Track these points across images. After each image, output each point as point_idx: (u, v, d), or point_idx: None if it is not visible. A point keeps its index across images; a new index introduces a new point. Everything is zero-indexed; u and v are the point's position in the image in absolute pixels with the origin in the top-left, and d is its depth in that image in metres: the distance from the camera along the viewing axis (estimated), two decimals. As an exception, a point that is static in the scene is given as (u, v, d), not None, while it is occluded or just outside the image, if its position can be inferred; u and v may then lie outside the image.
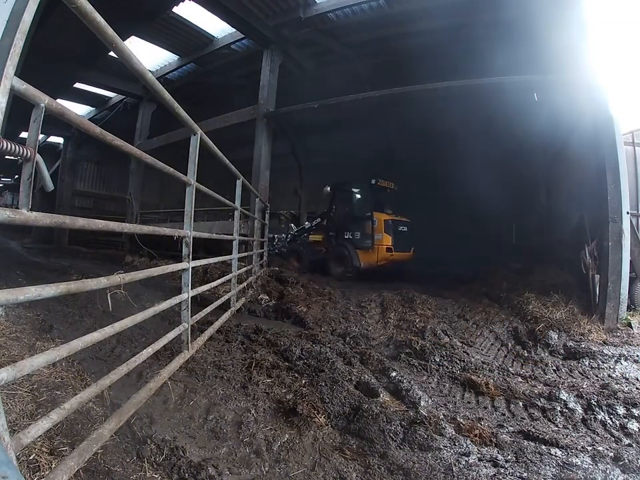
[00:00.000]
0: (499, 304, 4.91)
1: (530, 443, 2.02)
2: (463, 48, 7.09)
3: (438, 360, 3.16)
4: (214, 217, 9.45)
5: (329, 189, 8.54)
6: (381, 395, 2.54)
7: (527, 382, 2.88)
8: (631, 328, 3.80)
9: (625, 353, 3.23)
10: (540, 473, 1.77)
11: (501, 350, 3.64)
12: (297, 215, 11.26)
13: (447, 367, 3.07)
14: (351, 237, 7.83)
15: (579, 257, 4.63)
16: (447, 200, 11.19)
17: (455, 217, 10.82)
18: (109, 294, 1.63)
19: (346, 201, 8.39)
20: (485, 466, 1.82)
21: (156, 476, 1.59)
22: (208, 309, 3.08)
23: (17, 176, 17.27)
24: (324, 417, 2.16)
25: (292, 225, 9.56)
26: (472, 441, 2.02)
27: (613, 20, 5.11)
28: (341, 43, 8.00)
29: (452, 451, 1.92)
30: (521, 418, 2.39)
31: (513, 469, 1.80)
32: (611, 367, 3.11)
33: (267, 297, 5.13)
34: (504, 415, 2.44)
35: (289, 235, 9.11)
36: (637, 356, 3.20)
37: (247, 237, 6.16)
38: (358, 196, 8.16)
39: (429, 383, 2.90)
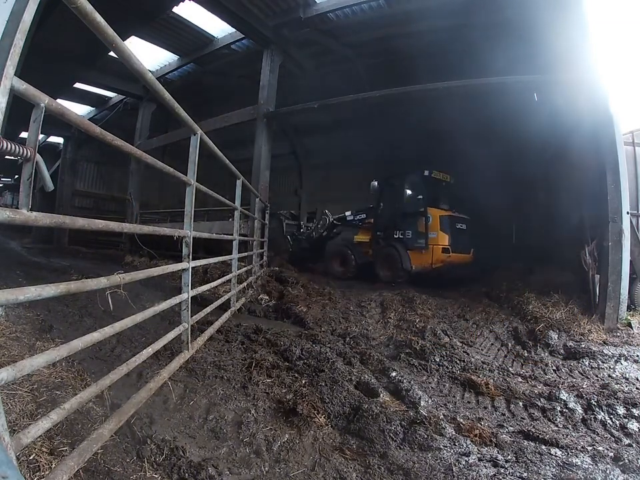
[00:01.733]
0: (499, 304, 4.91)
1: (530, 443, 2.02)
2: (463, 48, 7.09)
3: (438, 360, 3.16)
4: (214, 217, 9.44)
5: (376, 183, 7.53)
6: (381, 395, 2.54)
7: (527, 382, 2.88)
8: (631, 328, 3.80)
9: (625, 353, 3.23)
10: (540, 473, 1.77)
11: (500, 350, 3.64)
12: (297, 215, 11.20)
13: (447, 367, 3.07)
14: (401, 237, 6.90)
15: (579, 256, 4.63)
16: (447, 200, 11.17)
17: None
18: (108, 294, 1.63)
19: (395, 196, 7.43)
20: (485, 466, 1.82)
21: (156, 476, 1.59)
22: (208, 309, 3.09)
23: (17, 176, 17.27)
24: (324, 417, 2.16)
25: (326, 210, 8.47)
26: (472, 441, 2.02)
27: (613, 20, 5.12)
28: (341, 43, 8.00)
29: (452, 451, 1.92)
30: (521, 418, 2.39)
31: (512, 468, 1.80)
32: (611, 367, 3.11)
33: (267, 297, 5.13)
34: (504, 415, 2.44)
35: (323, 225, 8.19)
36: (637, 356, 3.20)
37: (247, 237, 6.16)
38: (409, 190, 7.27)
39: (429, 382, 2.90)
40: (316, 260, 8.45)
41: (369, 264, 7.29)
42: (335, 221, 8.26)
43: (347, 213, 8.16)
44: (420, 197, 6.94)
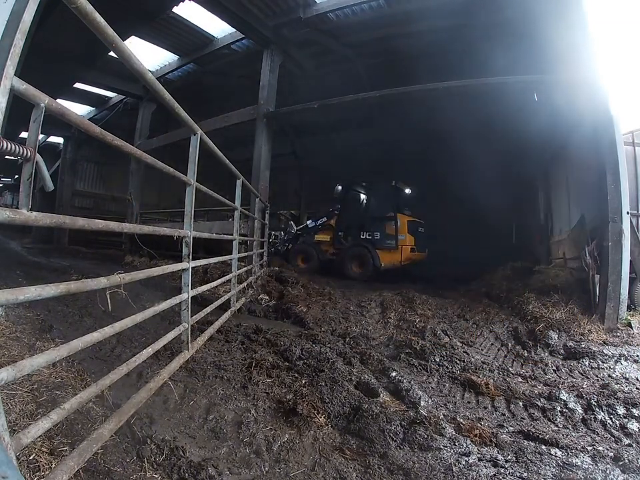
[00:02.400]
0: (499, 304, 4.91)
1: (530, 442, 2.02)
2: (463, 48, 7.09)
3: (438, 360, 3.16)
4: (214, 217, 9.45)
5: (340, 187, 8.33)
6: (381, 395, 2.54)
7: (527, 382, 2.88)
8: (631, 328, 3.80)
9: (625, 353, 3.23)
10: (540, 473, 1.77)
11: (501, 350, 3.64)
12: (297, 215, 11.23)
13: (447, 367, 3.07)
14: (369, 237, 7.70)
15: (579, 256, 4.63)
16: (447, 200, 11.19)
17: (455, 217, 10.84)
18: (108, 294, 1.63)
19: (361, 201, 8.29)
20: (485, 466, 1.82)
21: (156, 476, 1.59)
22: (208, 309, 3.08)
23: (17, 176, 17.26)
24: (324, 417, 2.16)
25: (291, 222, 9.37)
26: (472, 441, 2.02)
27: (613, 20, 5.11)
28: (341, 43, 7.99)
29: (452, 451, 1.92)
30: (521, 418, 2.39)
31: (513, 468, 1.80)
32: (611, 367, 3.11)
33: (267, 297, 5.13)
34: (504, 415, 2.44)
35: (289, 234, 8.94)
36: (637, 356, 3.20)
37: (247, 237, 6.16)
38: (377, 196, 8.10)
39: (429, 382, 2.90)
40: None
41: (330, 261, 8.02)
42: (297, 232, 8.81)
43: (309, 222, 8.85)
44: (387, 203, 7.80)
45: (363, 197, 8.53)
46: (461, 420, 2.23)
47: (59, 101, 1.29)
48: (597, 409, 2.37)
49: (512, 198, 9.78)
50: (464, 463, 1.83)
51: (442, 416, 2.26)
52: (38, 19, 3.36)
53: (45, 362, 1.11)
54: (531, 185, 8.75)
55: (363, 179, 8.60)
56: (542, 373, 3.11)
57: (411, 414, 2.24)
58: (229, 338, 3.41)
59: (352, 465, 1.82)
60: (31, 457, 1.37)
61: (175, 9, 7.04)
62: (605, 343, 3.52)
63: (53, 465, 1.35)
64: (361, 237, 7.82)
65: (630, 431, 2.18)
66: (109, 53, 7.34)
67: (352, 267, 7.65)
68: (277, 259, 8.14)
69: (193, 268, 2.46)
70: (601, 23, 4.58)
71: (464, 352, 3.38)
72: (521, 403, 2.53)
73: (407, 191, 8.36)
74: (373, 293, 5.40)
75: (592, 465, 1.84)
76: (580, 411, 2.39)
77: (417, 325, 4.07)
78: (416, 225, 8.00)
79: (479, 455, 1.91)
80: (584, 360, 3.22)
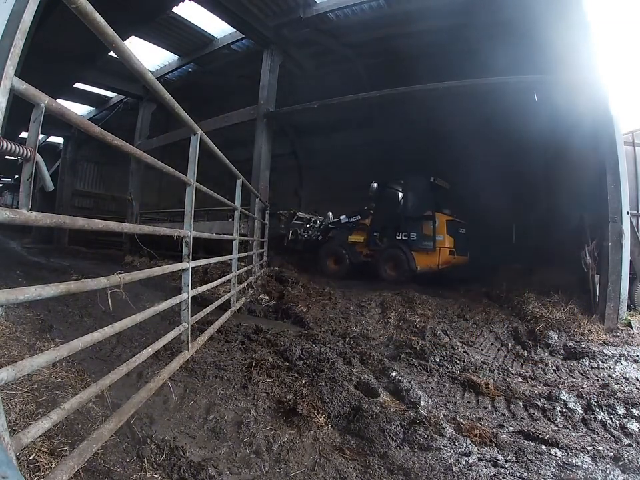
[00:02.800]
0: (499, 304, 4.91)
1: (530, 442, 2.02)
2: (463, 48, 7.10)
3: (438, 360, 3.16)
4: (214, 217, 9.45)
5: (375, 185, 7.64)
6: (381, 395, 2.54)
7: (527, 382, 2.88)
8: (631, 328, 3.80)
9: (625, 353, 3.23)
10: (540, 473, 1.77)
11: (501, 350, 3.64)
12: (295, 214, 11.18)
13: (447, 367, 3.07)
14: (404, 238, 7.13)
15: (579, 256, 4.63)
16: (447, 200, 11.18)
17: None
18: (109, 294, 1.63)
19: (397, 199, 7.64)
20: (485, 466, 1.82)
21: (156, 476, 1.59)
22: (208, 309, 3.09)
23: (17, 176, 17.26)
24: (324, 417, 2.16)
25: (330, 213, 8.51)
26: (472, 441, 2.02)
27: (613, 20, 5.11)
28: (341, 43, 8.00)
29: (452, 451, 1.92)
30: (521, 418, 2.39)
31: (513, 468, 1.80)
32: (611, 367, 3.11)
33: (267, 297, 5.13)
34: (504, 415, 2.44)
35: (325, 225, 8.33)
36: (637, 356, 3.20)
37: (247, 237, 6.16)
38: (413, 194, 7.48)
39: (429, 382, 2.90)
40: (305, 259, 8.51)
41: (364, 263, 7.49)
42: (330, 225, 8.38)
43: (342, 217, 8.30)
44: (425, 201, 7.14)
45: (399, 194, 7.77)
46: (461, 420, 2.23)
47: (59, 100, 1.29)
48: (597, 409, 2.37)
49: (512, 198, 9.77)
50: (464, 462, 1.83)
51: (442, 416, 2.26)
52: (38, 18, 3.36)
53: (45, 362, 1.11)
54: (531, 185, 8.74)
55: (400, 175, 7.91)
56: (542, 372, 3.11)
57: (411, 414, 2.24)
58: (229, 338, 3.41)
59: (352, 465, 1.82)
60: (31, 457, 1.37)
61: (175, 9, 7.05)
62: (605, 342, 3.52)
63: (53, 465, 1.35)
64: (397, 237, 7.23)
65: (630, 431, 2.18)
66: (109, 53, 7.34)
67: (387, 270, 7.12)
68: (290, 258, 7.81)
69: (192, 268, 2.46)
70: (601, 23, 4.59)
71: (464, 352, 3.38)
72: (520, 403, 2.53)
73: (445, 187, 7.70)
74: (373, 293, 5.39)
75: (592, 464, 1.84)
76: (580, 411, 2.39)
77: (417, 325, 4.07)
78: (456, 225, 7.30)
79: (478, 455, 1.91)
80: (584, 360, 3.22)
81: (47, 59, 6.65)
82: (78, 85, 9.94)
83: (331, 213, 8.64)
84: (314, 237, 8.59)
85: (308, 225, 8.92)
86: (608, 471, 1.78)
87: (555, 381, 2.92)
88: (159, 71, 9.65)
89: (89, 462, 1.39)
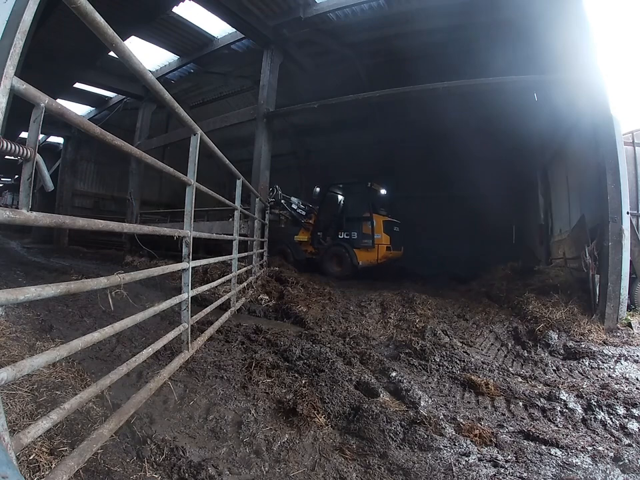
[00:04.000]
0: (499, 304, 4.90)
1: (530, 442, 2.02)
2: (463, 48, 7.10)
3: (438, 360, 3.16)
4: (214, 217, 9.45)
5: (317, 189, 8.71)
6: (381, 395, 2.54)
7: (527, 382, 2.88)
8: (631, 328, 3.79)
9: (625, 353, 3.23)
10: (540, 473, 1.77)
11: (501, 350, 3.64)
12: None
13: (447, 367, 3.07)
14: (347, 237, 8.04)
15: (579, 256, 4.63)
16: (447, 200, 11.20)
17: (455, 216, 10.84)
18: (109, 294, 1.63)
19: (338, 202, 8.63)
20: (485, 466, 1.82)
21: (156, 476, 1.59)
22: (208, 309, 3.08)
23: (17, 176, 17.29)
24: (324, 417, 2.16)
25: (276, 185, 8.28)
26: (472, 441, 2.01)
27: (613, 20, 5.11)
28: (341, 43, 8.00)
29: (452, 451, 1.92)
30: (521, 418, 2.39)
31: (513, 468, 1.80)
32: (611, 367, 3.10)
33: (267, 297, 5.13)
34: (504, 415, 2.44)
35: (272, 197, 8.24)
36: (637, 356, 3.20)
37: (247, 237, 6.16)
38: (354, 197, 8.38)
39: (429, 383, 2.89)
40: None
41: (308, 260, 8.29)
42: (281, 199, 8.53)
43: (294, 199, 8.82)
44: (364, 204, 8.03)
45: (340, 198, 8.81)
46: (461, 420, 2.23)
47: (58, 100, 1.29)
48: (597, 409, 2.37)
49: (512, 198, 9.78)
50: (464, 462, 1.83)
51: (442, 416, 2.26)
52: (38, 18, 3.36)
53: (44, 362, 1.11)
54: (531, 185, 8.75)
55: (340, 180, 8.92)
56: (542, 372, 3.11)
57: (411, 414, 2.24)
58: (229, 338, 3.41)
59: (352, 464, 1.82)
60: (31, 457, 1.37)
61: (175, 9, 7.06)
62: (604, 343, 3.51)
63: (53, 465, 1.35)
64: (339, 236, 8.13)
65: (630, 431, 2.18)
66: (109, 53, 7.35)
67: (332, 266, 7.95)
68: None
69: (192, 268, 2.46)
70: (600, 23, 4.58)
71: (464, 352, 3.38)
72: (520, 403, 2.53)
73: (382, 191, 8.69)
74: (373, 293, 5.39)
75: (592, 464, 1.84)
76: (580, 411, 2.39)
77: (417, 325, 4.07)
78: (391, 224, 8.31)
79: (479, 455, 1.91)
80: (584, 360, 3.22)
81: (47, 58, 6.67)
82: (78, 85, 9.96)
83: (278, 186, 8.36)
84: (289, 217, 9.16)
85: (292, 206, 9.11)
86: (608, 471, 1.78)
87: (555, 380, 2.91)
88: (159, 71, 9.66)
89: (88, 462, 1.39)
